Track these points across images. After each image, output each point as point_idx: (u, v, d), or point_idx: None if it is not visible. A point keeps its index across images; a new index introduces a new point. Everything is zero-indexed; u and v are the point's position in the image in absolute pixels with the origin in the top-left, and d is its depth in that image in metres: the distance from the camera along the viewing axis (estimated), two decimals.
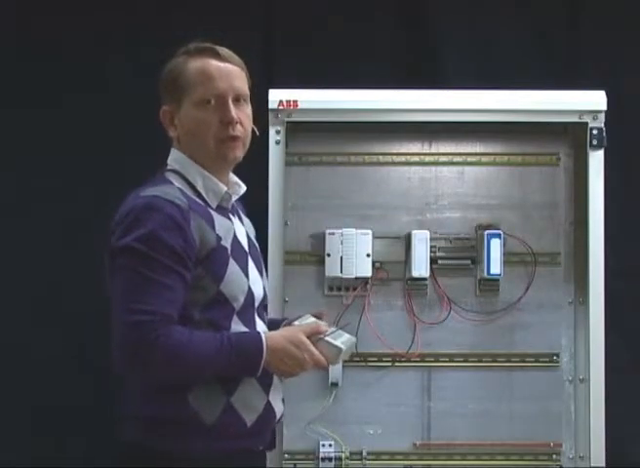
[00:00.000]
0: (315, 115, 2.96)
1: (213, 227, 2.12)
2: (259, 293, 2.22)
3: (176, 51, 2.23)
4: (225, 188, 2.20)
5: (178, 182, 2.16)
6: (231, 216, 2.23)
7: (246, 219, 2.34)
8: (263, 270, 2.30)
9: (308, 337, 2.14)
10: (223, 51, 2.20)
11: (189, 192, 2.15)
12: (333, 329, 2.23)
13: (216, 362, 2.05)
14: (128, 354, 2.01)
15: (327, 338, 2.17)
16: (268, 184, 2.92)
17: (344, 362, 2.99)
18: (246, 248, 2.23)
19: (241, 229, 2.25)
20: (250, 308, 2.19)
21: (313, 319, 2.27)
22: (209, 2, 3.50)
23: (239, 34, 3.38)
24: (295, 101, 2.94)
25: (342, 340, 2.21)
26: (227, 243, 2.14)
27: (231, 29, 3.39)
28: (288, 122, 2.95)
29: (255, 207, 2.80)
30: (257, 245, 2.32)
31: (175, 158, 2.22)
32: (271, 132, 2.93)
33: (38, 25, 3.47)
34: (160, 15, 3.47)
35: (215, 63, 2.18)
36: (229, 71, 2.19)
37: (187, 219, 2.07)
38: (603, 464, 2.90)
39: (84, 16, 3.46)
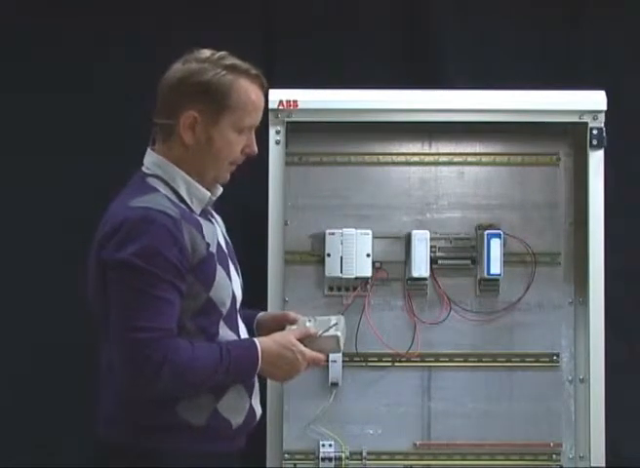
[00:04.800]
0: (315, 115, 2.96)
1: (202, 235, 2.11)
2: (239, 294, 2.23)
3: (176, 50, 2.21)
4: (209, 194, 2.19)
5: (163, 189, 2.13)
6: (211, 219, 2.23)
7: (219, 218, 2.33)
8: (239, 268, 2.30)
9: (300, 340, 2.16)
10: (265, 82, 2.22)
11: (174, 198, 2.13)
12: (318, 319, 2.24)
13: (216, 375, 2.07)
14: (135, 372, 2.01)
15: (321, 335, 2.19)
16: (268, 184, 2.92)
17: (344, 362, 3.00)
18: (225, 249, 2.22)
19: (219, 230, 2.25)
20: (234, 311, 2.19)
21: (304, 321, 2.29)
22: (209, 2, 3.49)
23: (239, 34, 3.39)
24: (295, 101, 2.94)
25: (335, 327, 2.23)
26: (214, 248, 2.14)
27: (231, 29, 3.40)
28: (288, 122, 2.95)
29: (255, 207, 2.81)
30: (230, 242, 2.31)
31: (154, 161, 2.17)
32: (271, 132, 2.93)
33: (38, 21, 3.47)
34: (160, 14, 3.47)
35: (260, 95, 2.19)
36: (263, 106, 2.22)
37: (180, 230, 2.05)
38: (603, 464, 2.91)
39: (84, 15, 3.45)
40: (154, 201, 2.08)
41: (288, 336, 2.16)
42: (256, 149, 2.21)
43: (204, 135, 2.14)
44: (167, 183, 2.15)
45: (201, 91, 2.13)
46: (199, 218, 2.15)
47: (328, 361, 2.97)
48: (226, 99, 2.13)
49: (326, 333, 2.20)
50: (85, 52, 3.45)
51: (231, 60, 2.16)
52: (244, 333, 2.23)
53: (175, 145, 2.16)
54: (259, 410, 2.25)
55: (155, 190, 2.12)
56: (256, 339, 2.15)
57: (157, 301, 2.01)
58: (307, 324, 2.24)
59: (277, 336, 2.18)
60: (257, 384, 2.23)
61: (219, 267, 2.13)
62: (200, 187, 2.17)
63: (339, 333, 2.19)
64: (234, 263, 2.26)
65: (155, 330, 2.00)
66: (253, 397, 2.21)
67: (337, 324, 2.25)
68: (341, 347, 2.23)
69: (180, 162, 2.16)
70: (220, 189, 2.27)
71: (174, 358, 2.00)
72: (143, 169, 2.19)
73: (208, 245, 2.11)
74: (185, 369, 2.02)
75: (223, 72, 2.14)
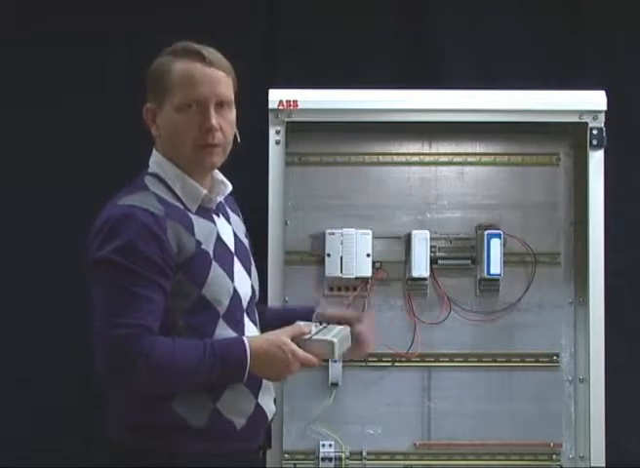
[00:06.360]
0: (315, 115, 2.96)
1: (192, 232, 2.09)
2: (245, 293, 2.20)
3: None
4: (205, 191, 2.16)
5: (155, 187, 2.13)
6: (215, 217, 2.19)
7: (234, 216, 2.30)
8: (252, 268, 2.27)
9: (294, 340, 2.12)
10: (211, 54, 2.14)
11: (168, 196, 2.12)
12: (323, 326, 2.23)
13: (199, 372, 2.04)
14: (112, 368, 2.01)
15: (315, 337, 2.16)
16: (268, 184, 2.92)
17: (344, 362, 3.00)
18: (232, 248, 2.20)
19: (226, 229, 2.22)
20: (238, 310, 2.17)
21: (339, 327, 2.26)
22: (209, 2, 3.50)
23: (239, 34, 3.39)
24: (295, 101, 2.94)
25: (334, 334, 2.20)
26: (209, 246, 2.12)
27: (231, 29, 3.40)
28: (288, 122, 2.95)
29: (255, 207, 2.80)
30: (245, 242, 2.28)
31: (154, 160, 2.18)
32: (271, 132, 2.93)
33: (38, 25, 3.47)
34: (160, 14, 3.47)
35: (199, 67, 2.13)
36: (214, 76, 2.13)
37: (163, 227, 2.04)
38: (603, 464, 2.91)
39: (84, 15, 3.46)
40: (140, 199, 2.07)
41: (279, 335, 2.13)
42: (210, 123, 2.11)
43: (160, 123, 2.16)
44: (164, 181, 2.15)
45: (149, 82, 2.17)
46: (192, 216, 2.13)
47: (328, 361, 2.97)
48: (162, 83, 2.13)
49: (321, 337, 2.18)
50: (86, 52, 3.46)
51: (179, 46, 2.16)
52: (252, 333, 2.21)
53: (157, 141, 2.19)
54: (270, 409, 2.22)
55: (145, 189, 2.12)
56: (245, 338, 2.12)
57: (135, 298, 2.00)
58: (313, 328, 2.22)
59: (269, 335, 2.15)
60: (266, 382, 2.20)
61: (214, 264, 2.11)
62: (195, 184, 2.16)
63: (334, 340, 2.16)
64: (244, 261, 2.22)
65: (132, 326, 1.99)
66: (260, 396, 2.17)
67: (338, 332, 2.23)
68: (337, 355, 2.18)
69: (167, 156, 2.16)
70: (229, 187, 2.24)
71: (150, 354, 1.99)
72: (148, 168, 2.20)
73: (199, 242, 2.09)
74: (162, 365, 2.00)
75: (164, 59, 2.16)
